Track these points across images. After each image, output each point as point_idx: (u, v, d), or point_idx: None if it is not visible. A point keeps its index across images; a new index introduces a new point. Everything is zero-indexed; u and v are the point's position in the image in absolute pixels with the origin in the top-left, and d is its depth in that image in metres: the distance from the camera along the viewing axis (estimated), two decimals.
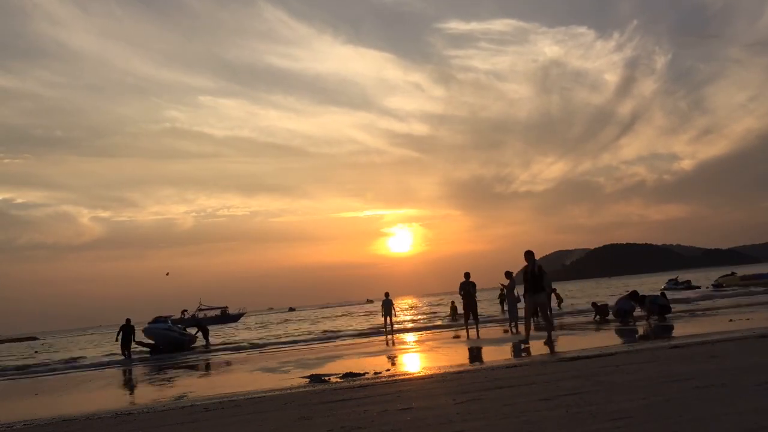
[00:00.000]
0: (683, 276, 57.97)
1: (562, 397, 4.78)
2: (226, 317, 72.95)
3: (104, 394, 11.20)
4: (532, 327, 13.80)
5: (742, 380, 4.90)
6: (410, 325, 27.54)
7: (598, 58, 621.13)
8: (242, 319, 75.10)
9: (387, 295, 23.91)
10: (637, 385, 5.11)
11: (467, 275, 17.75)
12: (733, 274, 38.43)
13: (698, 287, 39.99)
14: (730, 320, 13.41)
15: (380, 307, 24.53)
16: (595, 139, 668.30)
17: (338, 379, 9.09)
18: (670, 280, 45.89)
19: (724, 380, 4.95)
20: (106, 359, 22.59)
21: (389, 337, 20.99)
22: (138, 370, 16.59)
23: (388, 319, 23.44)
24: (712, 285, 38.39)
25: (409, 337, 19.70)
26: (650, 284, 53.61)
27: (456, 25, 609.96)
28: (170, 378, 12.98)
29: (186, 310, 68.72)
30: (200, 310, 74.79)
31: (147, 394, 10.27)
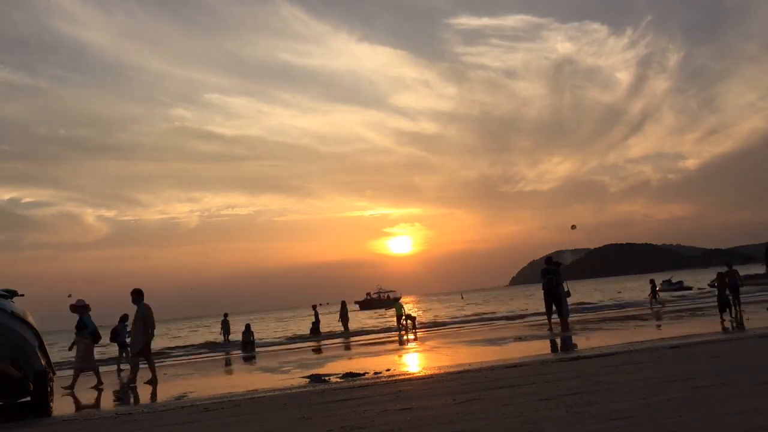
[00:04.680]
0: (682, 276, 57.77)
1: (562, 397, 4.78)
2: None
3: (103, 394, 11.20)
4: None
5: (741, 380, 4.90)
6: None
7: (611, 56, 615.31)
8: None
9: (226, 315, 24.82)
10: (637, 385, 5.11)
11: (549, 260, 16.05)
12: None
13: (690, 288, 39.80)
14: (731, 320, 13.43)
15: (220, 327, 25.23)
16: (603, 139, 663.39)
17: (338, 379, 9.09)
18: (664, 281, 45.41)
19: (724, 380, 4.95)
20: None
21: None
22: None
23: (227, 337, 24.38)
24: (708, 285, 37.91)
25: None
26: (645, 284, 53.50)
27: (468, 21, 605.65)
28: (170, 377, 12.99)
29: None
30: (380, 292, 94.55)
31: (146, 393, 10.27)
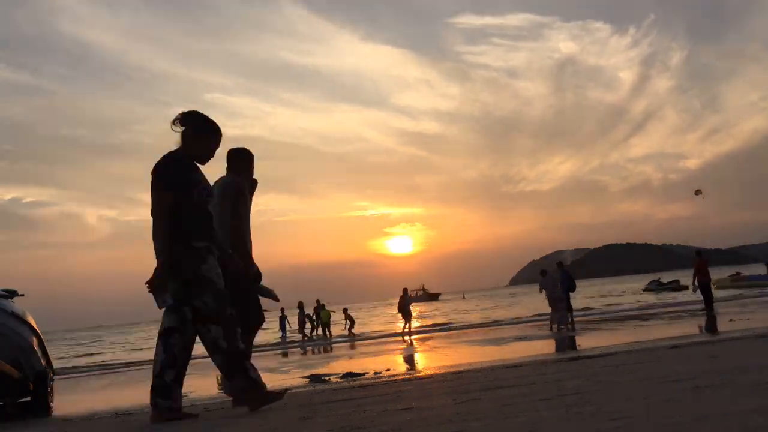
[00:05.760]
0: (680, 276, 57.46)
1: (562, 397, 4.77)
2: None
3: (103, 393, 11.21)
4: None
5: (742, 380, 4.90)
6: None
7: (614, 55, 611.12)
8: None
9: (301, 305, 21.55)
10: (637, 385, 5.11)
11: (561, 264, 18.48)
12: (737, 274, 37.24)
13: (686, 287, 39.44)
14: (730, 320, 13.43)
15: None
16: (604, 139, 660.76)
17: (338, 379, 9.10)
18: (651, 281, 44.68)
19: (724, 380, 4.95)
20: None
21: None
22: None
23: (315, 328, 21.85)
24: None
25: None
26: (640, 285, 53.48)
27: (470, 20, 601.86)
28: None
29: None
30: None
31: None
